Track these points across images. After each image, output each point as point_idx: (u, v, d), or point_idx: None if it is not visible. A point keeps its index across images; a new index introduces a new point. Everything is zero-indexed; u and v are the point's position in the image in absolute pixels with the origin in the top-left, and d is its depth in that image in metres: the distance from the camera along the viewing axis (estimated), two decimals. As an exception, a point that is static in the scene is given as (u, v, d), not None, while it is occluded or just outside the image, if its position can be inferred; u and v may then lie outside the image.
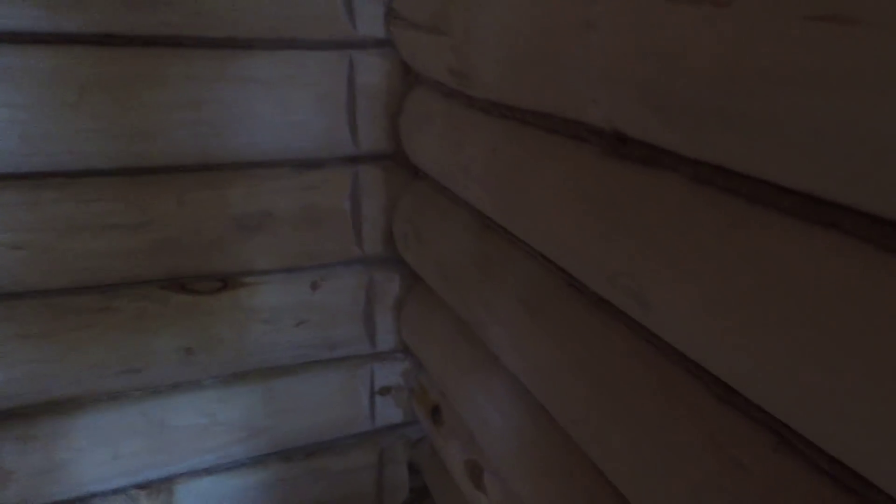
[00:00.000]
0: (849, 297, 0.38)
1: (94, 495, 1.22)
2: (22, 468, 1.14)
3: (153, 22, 1.01)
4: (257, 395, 1.25)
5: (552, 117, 0.69)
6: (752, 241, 0.45)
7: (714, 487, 0.49)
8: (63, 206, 1.05)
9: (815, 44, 0.35)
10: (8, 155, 1.00)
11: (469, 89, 0.90)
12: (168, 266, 1.14)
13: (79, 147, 1.03)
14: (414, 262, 1.20)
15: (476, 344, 0.95)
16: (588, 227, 0.61)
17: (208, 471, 1.28)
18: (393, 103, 1.18)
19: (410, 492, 1.43)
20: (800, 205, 0.43)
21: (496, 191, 0.81)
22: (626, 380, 0.59)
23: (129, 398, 1.18)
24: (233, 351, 1.21)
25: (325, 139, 1.17)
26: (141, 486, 1.25)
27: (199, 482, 1.28)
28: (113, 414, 1.17)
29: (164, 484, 1.26)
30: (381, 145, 1.21)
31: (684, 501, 0.52)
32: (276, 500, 1.32)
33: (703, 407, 0.51)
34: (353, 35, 1.12)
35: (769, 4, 0.38)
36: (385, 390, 1.34)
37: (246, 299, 1.19)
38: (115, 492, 1.23)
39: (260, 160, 1.15)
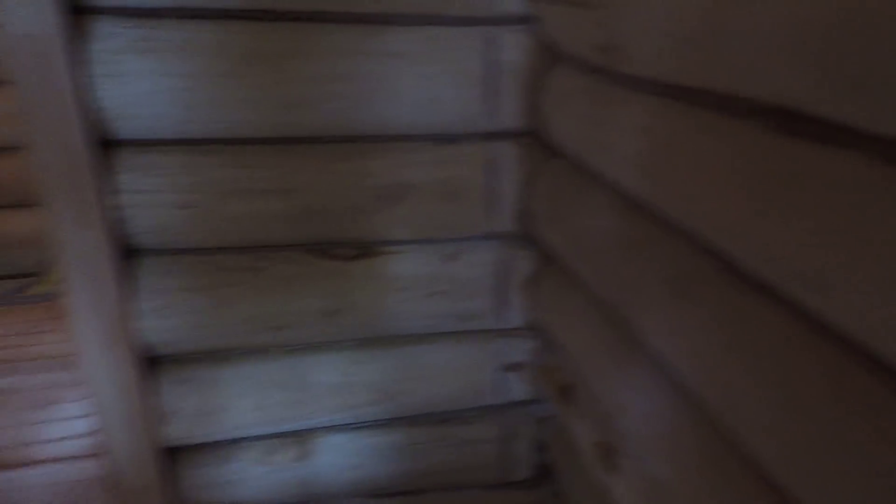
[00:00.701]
0: None
1: (241, 440, 1.31)
2: (182, 409, 1.25)
3: (308, -3, 1.05)
4: (390, 361, 1.29)
5: (713, 93, 0.66)
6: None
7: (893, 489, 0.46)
8: (224, 171, 1.12)
9: None
10: (176, 122, 1.08)
11: (618, 65, 0.88)
12: (312, 232, 1.20)
13: (237, 116, 1.10)
14: (549, 241, 1.19)
15: (616, 325, 0.94)
16: (753, 208, 0.58)
17: (342, 427, 1.34)
18: (532, 80, 1.17)
19: (534, 468, 1.44)
20: None
21: (646, 169, 0.79)
22: (790, 368, 0.56)
23: (274, 353, 1.26)
24: (368, 316, 1.26)
25: (462, 115, 1.18)
26: (281, 436, 1.33)
27: (333, 437, 1.35)
28: (260, 366, 1.26)
29: (301, 436, 1.34)
30: (518, 122, 1.20)
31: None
32: (402, 462, 1.37)
33: (882, 402, 0.48)
34: (494, 11, 1.12)
35: None
36: (512, 366, 1.35)
37: (382, 267, 1.23)
38: (259, 438, 1.32)
39: (400, 133, 1.18)
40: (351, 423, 1.34)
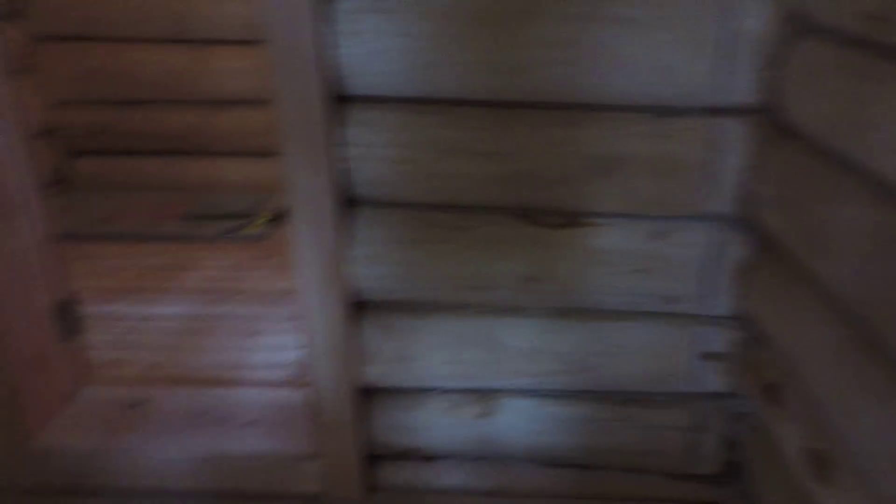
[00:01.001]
0: None
1: (430, 389, 1.37)
2: (381, 353, 1.32)
3: (548, -42, 1.04)
4: (583, 333, 1.28)
5: None
6: None
7: None
8: (443, 130, 1.15)
9: None
10: (403, 81, 1.13)
11: (891, 37, 0.79)
12: (520, 197, 1.20)
13: (460, 77, 1.12)
14: (773, 228, 1.11)
15: (856, 326, 0.86)
16: None
17: (527, 393, 1.36)
18: (772, 52, 1.08)
19: (721, 464, 1.38)
20: None
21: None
22: None
23: (471, 312, 1.30)
24: (567, 286, 1.25)
25: (689, 87, 1.12)
26: (468, 392, 1.37)
27: (517, 401, 1.36)
28: (458, 323, 1.30)
29: (489, 395, 1.37)
30: (750, 98, 1.12)
31: None
32: (584, 436, 1.37)
33: None
34: (740, -26, 1.05)
35: None
36: (711, 356, 1.28)
37: (586, 239, 1.22)
38: (447, 391, 1.37)
39: (619, 103, 1.14)
40: (536, 390, 1.35)
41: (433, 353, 1.32)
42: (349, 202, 1.23)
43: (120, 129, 2.89)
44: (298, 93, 1.12)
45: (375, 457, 1.45)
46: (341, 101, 1.16)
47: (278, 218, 2.73)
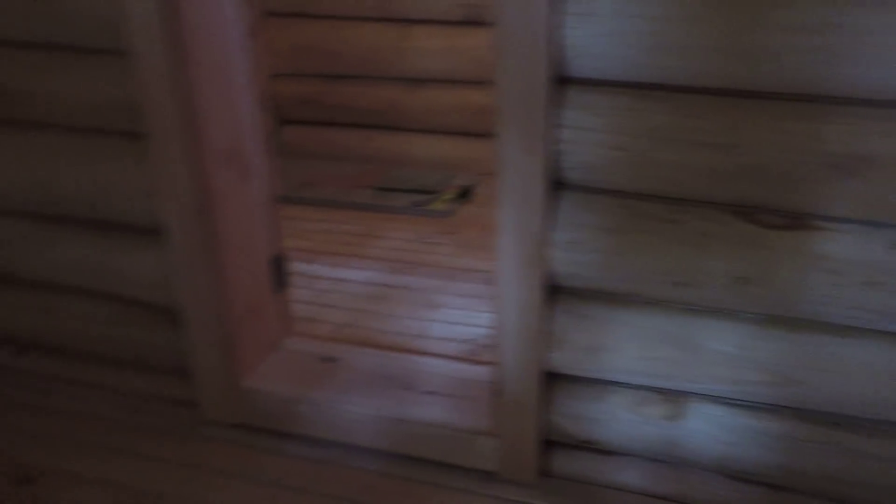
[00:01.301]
0: None
1: (616, 383, 1.34)
2: (570, 340, 1.31)
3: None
4: (795, 345, 1.19)
5: None
6: None
7: None
8: (664, 117, 1.11)
9: None
10: (628, 64, 1.09)
11: None
12: (740, 192, 1.13)
13: (691, 63, 1.07)
14: None
15: None
16: None
17: (721, 400, 1.29)
18: None
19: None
20: None
21: None
22: None
23: (670, 308, 1.24)
24: (783, 292, 1.16)
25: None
26: (657, 391, 1.32)
27: (709, 407, 1.30)
28: (653, 318, 1.25)
29: (677, 396, 1.31)
30: None
31: None
32: (781, 454, 1.27)
33: None
34: None
35: None
36: (947, 386, 1.14)
37: (813, 243, 1.12)
38: (633, 387, 1.33)
39: (867, 97, 1.03)
40: (733, 399, 1.28)
41: (625, 347, 1.29)
42: (557, 185, 1.22)
43: (324, 102, 3.07)
44: (522, 73, 1.12)
45: (551, 443, 1.45)
46: (560, 82, 1.14)
47: (463, 195, 2.79)
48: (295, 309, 2.01)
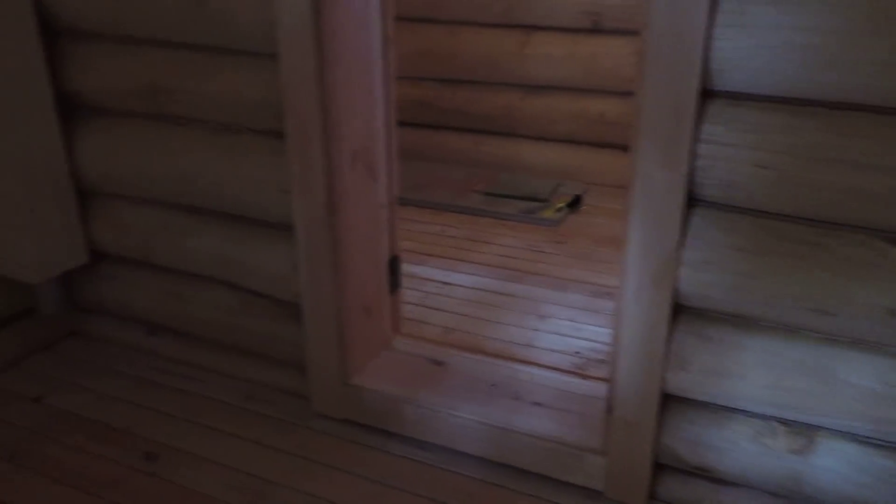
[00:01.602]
0: None
1: (739, 411, 1.27)
2: (691, 362, 1.26)
3: None
4: (950, 387, 1.10)
5: None
6: None
7: None
8: (820, 135, 1.04)
9: None
10: (782, 78, 1.04)
11: None
12: None
13: (851, 78, 1.00)
14: None
15: None
16: None
17: (857, 438, 1.20)
18: None
19: None
20: None
21: None
22: None
23: (807, 337, 1.17)
24: (940, 330, 1.07)
25: None
26: (784, 422, 1.25)
27: (842, 444, 1.22)
28: (787, 345, 1.18)
29: (807, 430, 1.24)
30: None
31: None
32: (924, 504, 1.18)
33: None
34: None
35: None
36: None
37: (979, 279, 1.03)
38: (758, 416, 1.26)
39: None
40: (870, 437, 1.19)
41: (752, 374, 1.22)
42: (691, 201, 1.17)
43: (439, 106, 3.11)
44: (669, 84, 1.09)
45: (662, 466, 1.39)
46: (704, 95, 1.10)
47: (573, 204, 2.74)
48: (403, 310, 2.04)
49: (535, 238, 2.54)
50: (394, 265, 1.70)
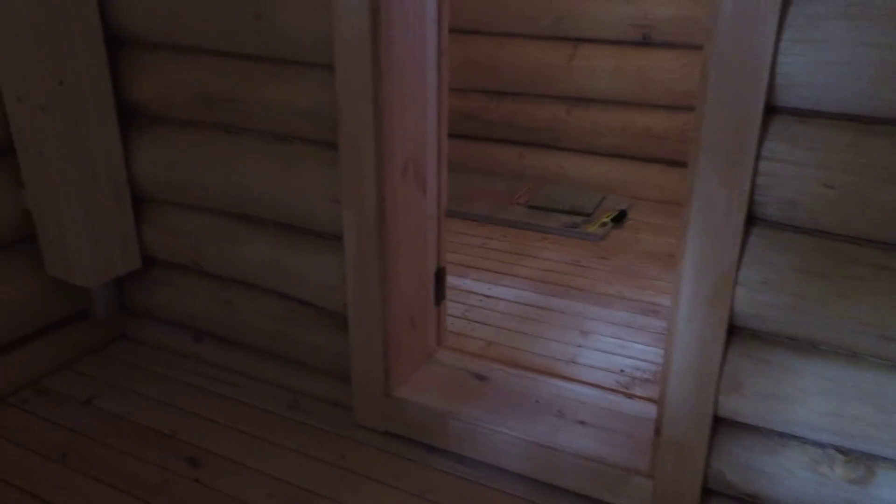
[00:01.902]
0: None
1: (795, 437, 1.23)
2: (748, 385, 1.22)
3: None
4: None
5: None
6: None
7: None
8: (889, 155, 1.01)
9: None
10: (853, 95, 1.01)
11: None
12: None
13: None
14: None
15: None
16: None
17: (922, 472, 1.15)
18: None
19: None
20: None
21: None
22: None
23: (869, 363, 1.13)
24: None
25: None
26: (843, 451, 1.21)
27: (905, 477, 1.17)
28: (848, 371, 1.14)
29: (866, 460, 1.19)
30: None
31: None
32: None
33: None
34: None
35: None
36: None
37: None
38: (816, 444, 1.22)
39: None
40: (937, 472, 1.14)
41: (810, 399, 1.18)
42: (750, 219, 1.14)
43: (485, 117, 3.11)
44: (732, 99, 1.06)
45: (710, 491, 1.36)
46: (768, 111, 1.07)
47: (618, 219, 2.71)
48: (446, 322, 2.03)
49: (578, 253, 2.51)
50: (439, 277, 1.69)
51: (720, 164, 1.10)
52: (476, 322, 2.06)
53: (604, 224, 2.68)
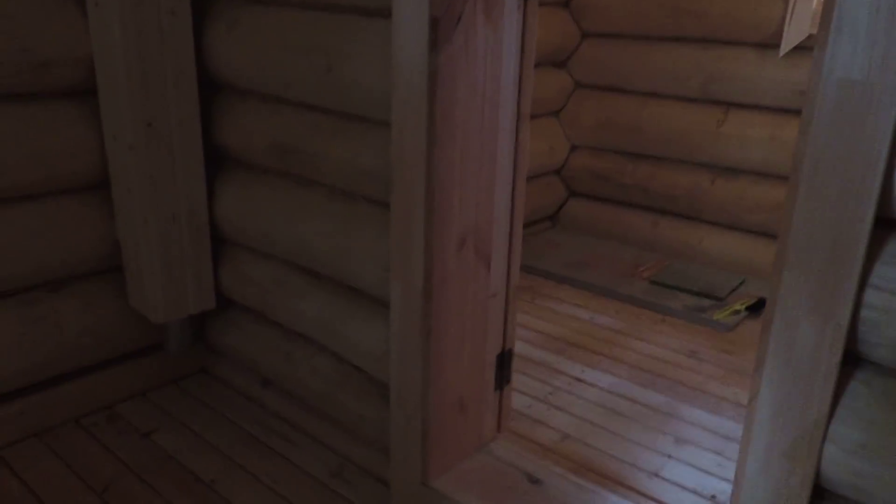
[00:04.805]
0: None
1: None
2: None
3: None
4: None
5: None
6: None
7: None
8: None
9: None
10: None
11: None
12: None
13: None
14: None
15: None
16: None
17: None
18: None
19: None
20: None
21: None
22: None
23: None
24: None
25: None
26: None
27: None
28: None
29: None
30: None
31: None
32: None
33: None
34: None
35: None
36: None
37: None
38: None
39: None
40: None
41: None
42: (850, 359, 0.89)
43: (618, 179, 2.89)
44: (830, 204, 0.83)
45: None
46: (881, 226, 0.82)
47: (755, 308, 2.37)
48: (521, 402, 1.85)
49: (698, 342, 2.22)
50: (503, 360, 1.53)
51: (811, 287, 0.86)
52: (557, 409, 1.85)
53: (736, 312, 2.35)
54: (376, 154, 1.35)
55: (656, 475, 1.61)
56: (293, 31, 1.42)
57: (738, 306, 2.38)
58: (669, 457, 1.68)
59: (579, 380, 1.99)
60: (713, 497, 1.55)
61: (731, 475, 1.61)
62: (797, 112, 2.42)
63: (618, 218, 2.94)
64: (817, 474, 0.93)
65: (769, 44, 2.44)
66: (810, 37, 2.36)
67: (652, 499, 1.51)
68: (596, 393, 1.93)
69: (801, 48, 2.37)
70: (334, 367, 1.60)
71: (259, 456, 1.66)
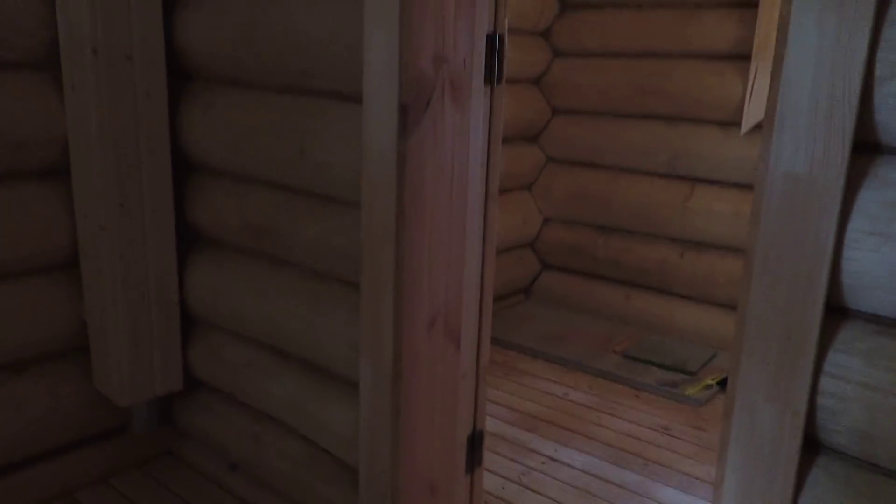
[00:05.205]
0: None
1: None
2: None
3: None
4: None
5: None
6: None
7: None
8: None
9: None
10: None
11: None
12: None
13: None
14: None
15: None
16: None
17: None
18: None
19: None
20: None
21: None
22: None
23: None
24: None
25: None
26: None
27: None
28: None
29: None
30: None
31: None
32: None
33: None
34: None
35: None
36: None
37: None
38: None
39: None
40: None
41: None
42: (809, 447, 0.89)
43: (591, 252, 2.93)
44: (782, 292, 0.85)
45: None
46: (832, 315, 0.85)
47: (725, 384, 2.38)
48: (494, 483, 1.82)
49: (671, 417, 2.21)
50: (474, 441, 1.51)
51: (769, 373, 0.88)
52: (530, 490, 1.82)
53: (708, 387, 2.36)
54: (348, 235, 1.37)
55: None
56: (268, 114, 1.46)
57: (709, 381, 2.39)
58: (645, 539, 1.65)
59: (553, 459, 1.97)
60: (689, 582, 1.52)
61: (707, 558, 1.58)
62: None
63: (591, 291, 2.96)
64: (786, 563, 0.92)
65: (732, 122, 2.54)
66: (769, 118, 2.46)
67: (627, 584, 1.47)
68: (569, 473, 1.90)
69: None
70: (303, 449, 1.56)
71: (224, 545, 1.60)
